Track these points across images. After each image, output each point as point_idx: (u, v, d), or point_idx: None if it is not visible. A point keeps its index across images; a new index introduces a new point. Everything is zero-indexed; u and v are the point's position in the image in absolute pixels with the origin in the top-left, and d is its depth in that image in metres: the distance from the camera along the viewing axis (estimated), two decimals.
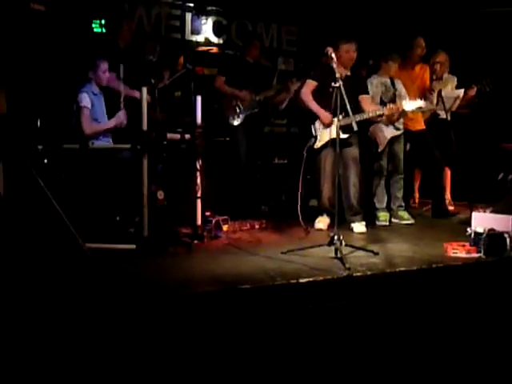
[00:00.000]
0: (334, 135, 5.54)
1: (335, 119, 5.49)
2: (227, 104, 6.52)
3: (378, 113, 5.73)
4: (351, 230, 5.73)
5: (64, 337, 3.00)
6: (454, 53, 6.96)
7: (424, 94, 6.50)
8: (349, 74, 5.73)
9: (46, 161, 4.97)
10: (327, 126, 5.67)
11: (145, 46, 6.47)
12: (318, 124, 5.83)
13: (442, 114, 6.68)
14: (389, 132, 6.23)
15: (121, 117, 5.29)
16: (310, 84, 5.88)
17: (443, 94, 6.38)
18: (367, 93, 5.93)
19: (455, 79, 6.92)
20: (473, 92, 6.63)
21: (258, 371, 3.29)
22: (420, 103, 5.75)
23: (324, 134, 5.74)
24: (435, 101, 6.54)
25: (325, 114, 5.66)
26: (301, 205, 5.38)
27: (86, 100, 5.20)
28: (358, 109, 5.58)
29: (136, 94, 5.53)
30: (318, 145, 5.80)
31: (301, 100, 5.99)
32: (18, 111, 4.58)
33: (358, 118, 5.41)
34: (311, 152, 5.74)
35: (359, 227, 5.75)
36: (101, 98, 5.43)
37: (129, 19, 6.34)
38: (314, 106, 5.78)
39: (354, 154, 5.76)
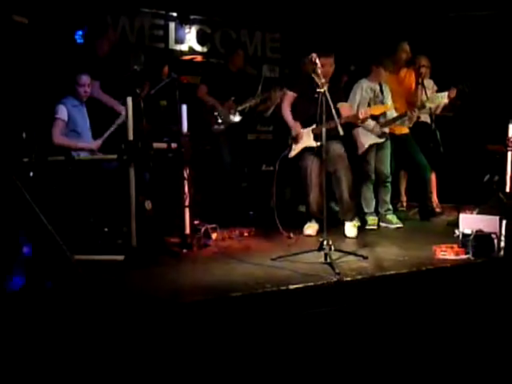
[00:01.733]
0: (307, 144, 5.73)
1: (306, 130, 5.61)
2: (209, 113, 6.54)
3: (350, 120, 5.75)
4: (343, 231, 5.72)
5: (53, 349, 2.98)
6: (434, 56, 7.02)
7: (411, 100, 6.55)
8: (327, 85, 5.75)
9: (31, 173, 4.95)
10: (297, 138, 5.80)
11: (129, 56, 6.48)
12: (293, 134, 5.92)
13: (423, 117, 6.74)
14: (369, 138, 6.26)
15: (92, 145, 5.34)
16: (289, 95, 5.97)
17: (428, 102, 6.42)
18: (345, 100, 5.97)
19: (432, 82, 6.99)
20: (453, 93, 6.69)
21: (250, 379, 3.28)
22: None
23: (298, 144, 5.82)
24: (415, 119, 6.61)
25: (295, 128, 5.81)
26: (285, 212, 5.41)
27: (61, 111, 5.25)
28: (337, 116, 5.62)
29: (116, 106, 5.58)
30: (292, 154, 5.88)
31: (280, 111, 6.06)
32: (2, 124, 4.56)
33: (342, 120, 5.41)
34: (286, 161, 5.78)
35: (351, 230, 5.73)
36: (82, 109, 5.43)
37: (108, 30, 6.35)
38: (288, 118, 5.92)
39: (338, 152, 5.77)
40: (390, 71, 6.56)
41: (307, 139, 5.76)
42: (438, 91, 6.89)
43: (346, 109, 5.85)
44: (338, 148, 5.77)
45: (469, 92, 6.59)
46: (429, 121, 6.60)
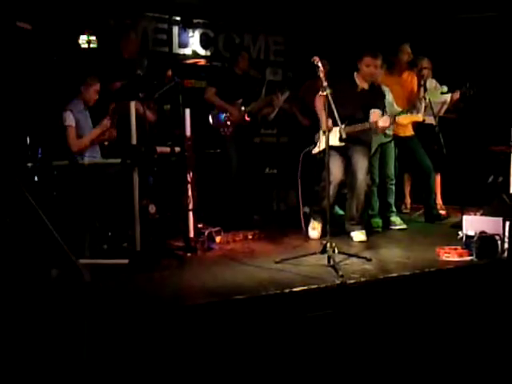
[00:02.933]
0: (332, 143, 5.57)
1: (336, 128, 5.51)
2: (217, 115, 6.57)
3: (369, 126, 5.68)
4: (351, 238, 5.68)
5: (57, 351, 3.00)
6: (437, 58, 7.03)
7: (413, 101, 6.55)
8: (366, 87, 5.75)
9: (36, 178, 4.98)
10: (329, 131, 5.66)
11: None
12: (321, 132, 5.84)
13: (428, 119, 6.73)
14: (377, 139, 6.26)
15: (105, 123, 5.34)
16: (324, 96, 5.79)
17: (428, 94, 6.43)
18: (379, 108, 5.80)
19: (436, 83, 6.99)
20: (457, 96, 6.69)
21: (254, 380, 3.29)
22: (414, 117, 5.88)
23: (323, 141, 5.77)
24: (423, 110, 6.59)
25: (325, 122, 5.58)
26: (291, 213, 5.41)
27: (69, 119, 5.25)
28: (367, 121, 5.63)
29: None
30: (315, 150, 5.83)
31: (314, 107, 5.97)
32: (7, 129, 4.59)
33: (348, 129, 5.37)
34: (308, 157, 5.74)
35: (359, 236, 5.68)
36: (87, 114, 5.45)
37: (134, 31, 6.40)
38: (321, 114, 5.68)
39: (363, 166, 5.70)
40: (391, 73, 6.58)
41: (333, 138, 5.68)
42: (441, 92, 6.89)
43: (375, 116, 5.71)
44: (362, 161, 5.69)
45: (472, 95, 6.59)
46: (434, 122, 6.59)
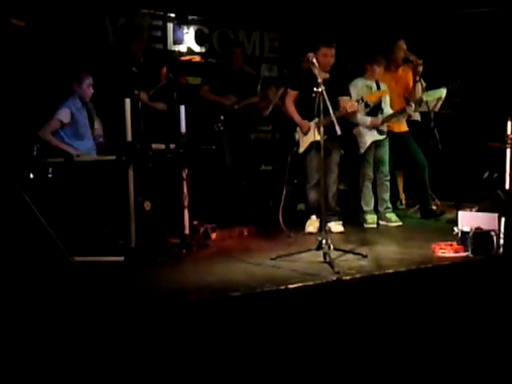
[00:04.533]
0: (313, 138, 5.70)
1: (313, 123, 5.61)
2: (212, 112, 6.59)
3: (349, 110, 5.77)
4: (328, 229, 5.74)
5: (54, 351, 2.99)
6: (433, 54, 7.03)
7: (409, 98, 6.56)
8: (327, 76, 5.78)
9: (31, 175, 4.96)
10: (306, 133, 5.86)
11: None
12: (299, 130, 5.96)
13: (414, 116, 6.75)
14: (371, 136, 6.27)
15: (74, 151, 5.27)
16: (291, 94, 6.02)
17: (425, 95, 6.43)
18: (347, 95, 5.99)
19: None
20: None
21: (249, 377, 3.29)
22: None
23: (305, 139, 5.87)
24: (412, 114, 6.63)
25: (304, 124, 5.87)
26: (285, 211, 5.45)
27: (63, 115, 5.22)
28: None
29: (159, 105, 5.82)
30: (300, 150, 5.93)
31: (284, 110, 6.09)
32: (2, 127, 4.58)
33: (337, 114, 5.42)
34: (296, 157, 5.79)
35: (336, 227, 5.91)
36: (83, 111, 5.43)
37: (142, 32, 6.57)
38: (294, 115, 5.98)
39: (335, 159, 5.95)
40: (387, 69, 6.57)
41: (313, 134, 5.76)
42: (435, 87, 6.88)
43: (345, 103, 5.85)
44: (334, 155, 5.93)
45: (460, 91, 6.63)
46: (419, 119, 6.64)
